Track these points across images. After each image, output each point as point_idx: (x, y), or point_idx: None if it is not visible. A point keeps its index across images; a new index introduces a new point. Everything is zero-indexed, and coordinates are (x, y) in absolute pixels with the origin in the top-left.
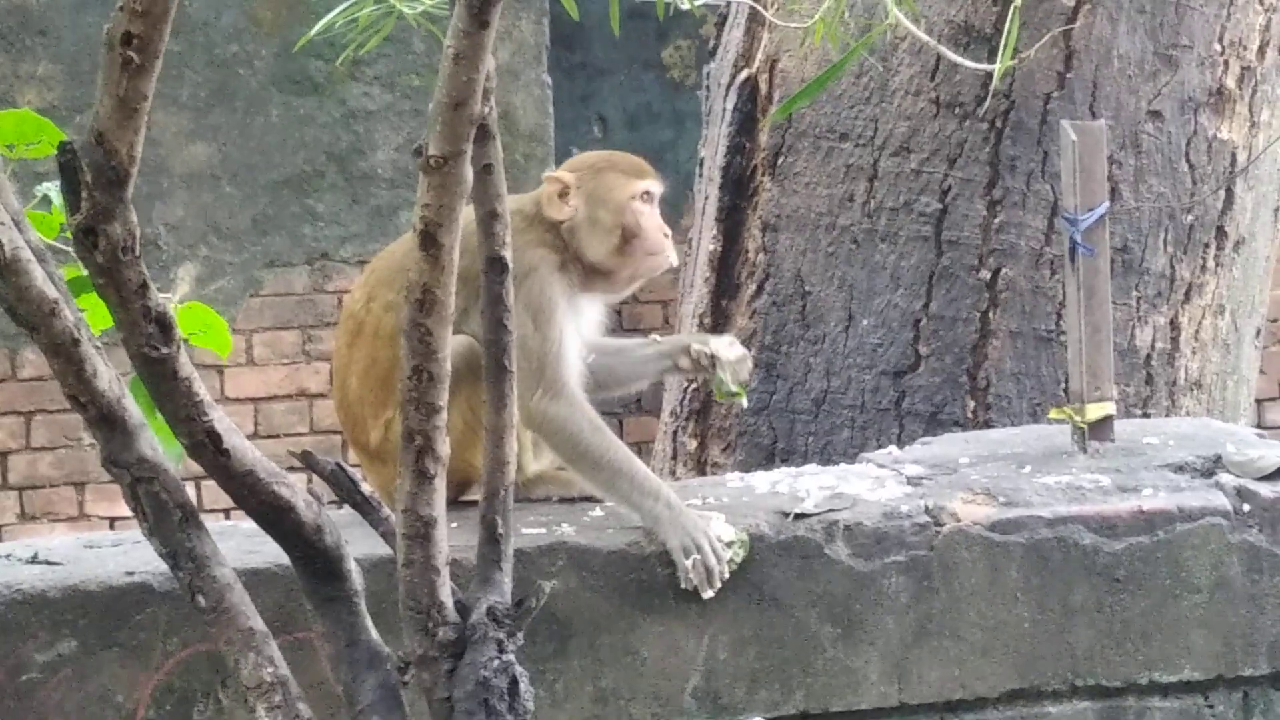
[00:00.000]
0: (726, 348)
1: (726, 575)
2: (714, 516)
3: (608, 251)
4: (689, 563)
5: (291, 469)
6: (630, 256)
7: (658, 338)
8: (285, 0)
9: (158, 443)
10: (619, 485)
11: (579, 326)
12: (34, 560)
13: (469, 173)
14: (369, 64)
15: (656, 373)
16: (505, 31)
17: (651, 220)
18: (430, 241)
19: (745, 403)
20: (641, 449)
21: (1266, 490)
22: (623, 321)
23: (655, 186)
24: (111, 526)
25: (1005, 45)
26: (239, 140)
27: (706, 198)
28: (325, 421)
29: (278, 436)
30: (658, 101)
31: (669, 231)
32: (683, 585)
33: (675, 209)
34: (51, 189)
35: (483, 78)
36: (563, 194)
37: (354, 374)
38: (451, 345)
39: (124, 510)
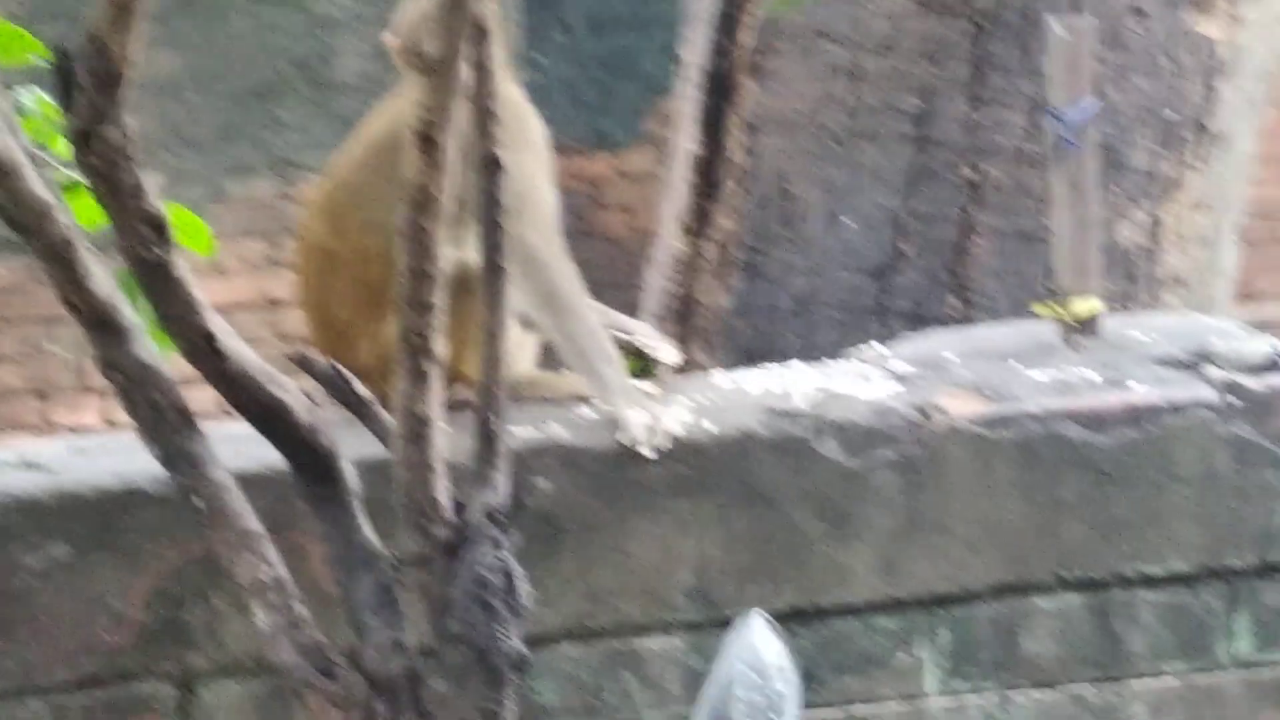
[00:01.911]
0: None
1: (675, 433)
2: (676, 399)
3: None
4: (633, 414)
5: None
6: None
7: None
8: None
9: (152, 345)
10: (585, 343)
11: None
12: (23, 464)
13: (465, 73)
14: None
15: None
16: None
17: None
18: (427, 142)
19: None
20: None
21: (1253, 382)
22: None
23: None
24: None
25: None
26: (203, 48)
27: (687, 100)
28: (292, 329)
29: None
30: (622, 6)
31: None
32: (620, 438)
33: (638, 114)
34: (24, 94)
35: None
36: None
37: (341, 304)
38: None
39: (88, 419)
